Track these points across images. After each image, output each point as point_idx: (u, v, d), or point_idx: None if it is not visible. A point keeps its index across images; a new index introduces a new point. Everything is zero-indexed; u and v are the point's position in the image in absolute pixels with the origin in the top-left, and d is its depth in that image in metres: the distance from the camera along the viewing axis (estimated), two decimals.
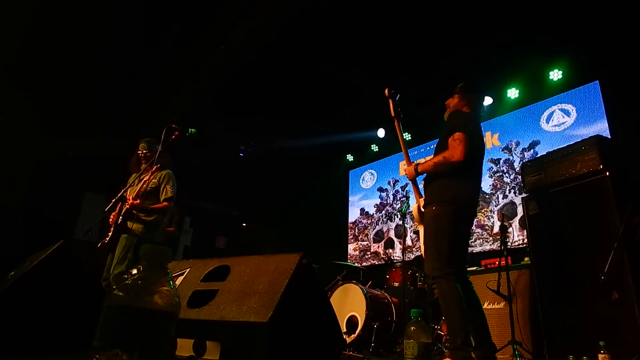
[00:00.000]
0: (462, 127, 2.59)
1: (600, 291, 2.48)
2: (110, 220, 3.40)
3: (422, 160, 2.83)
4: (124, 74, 6.01)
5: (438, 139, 2.85)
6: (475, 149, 2.64)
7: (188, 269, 2.31)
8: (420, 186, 2.88)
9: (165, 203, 3.50)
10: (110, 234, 3.30)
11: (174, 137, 3.49)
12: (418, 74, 5.87)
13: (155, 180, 3.53)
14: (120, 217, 3.30)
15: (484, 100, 3.05)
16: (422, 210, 2.72)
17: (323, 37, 5.47)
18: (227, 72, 6.06)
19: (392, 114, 2.88)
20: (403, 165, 6.91)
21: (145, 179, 3.51)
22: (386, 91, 2.86)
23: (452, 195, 2.56)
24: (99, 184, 6.89)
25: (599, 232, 2.66)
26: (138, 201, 3.34)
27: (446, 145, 2.61)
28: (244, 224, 9.77)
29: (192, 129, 3.59)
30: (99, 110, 6.59)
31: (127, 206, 3.34)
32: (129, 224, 3.35)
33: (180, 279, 2.25)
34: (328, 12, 5.01)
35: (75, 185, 6.79)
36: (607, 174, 2.72)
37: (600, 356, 2.36)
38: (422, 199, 2.78)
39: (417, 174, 2.74)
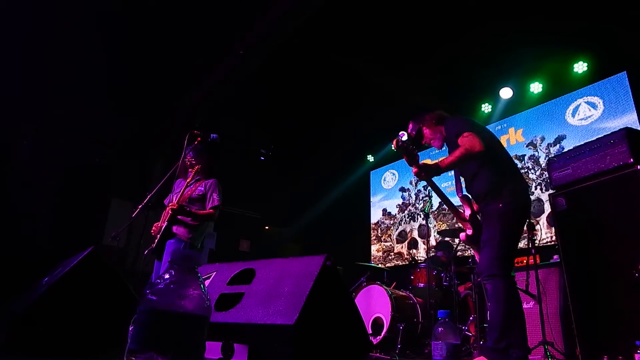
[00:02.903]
0: (465, 128, 2.55)
1: (634, 288, 2.40)
2: (153, 231, 3.37)
3: (428, 161, 2.63)
4: (142, 80, 6.15)
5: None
6: (491, 142, 2.58)
7: (214, 273, 2.35)
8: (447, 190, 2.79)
9: (211, 211, 3.41)
10: (157, 240, 3.25)
11: (196, 142, 3.52)
12: (439, 69, 5.81)
13: (202, 188, 3.47)
14: (166, 222, 3.24)
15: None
16: (478, 216, 2.60)
17: (344, 38, 5.47)
18: (246, 74, 6.11)
19: (409, 164, 2.47)
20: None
21: (190, 185, 3.46)
22: (394, 144, 2.39)
23: (511, 190, 2.48)
24: (125, 190, 7.06)
25: (631, 227, 2.57)
26: (177, 205, 3.23)
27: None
28: (266, 227, 9.85)
29: (213, 134, 3.60)
30: (120, 118, 6.78)
31: (169, 211, 3.26)
32: (175, 229, 3.29)
33: (207, 282, 2.29)
34: (352, 8, 5.01)
35: (101, 191, 6.97)
36: (638, 167, 2.63)
37: (637, 356, 2.29)
38: (466, 206, 2.68)
39: (441, 170, 2.43)
